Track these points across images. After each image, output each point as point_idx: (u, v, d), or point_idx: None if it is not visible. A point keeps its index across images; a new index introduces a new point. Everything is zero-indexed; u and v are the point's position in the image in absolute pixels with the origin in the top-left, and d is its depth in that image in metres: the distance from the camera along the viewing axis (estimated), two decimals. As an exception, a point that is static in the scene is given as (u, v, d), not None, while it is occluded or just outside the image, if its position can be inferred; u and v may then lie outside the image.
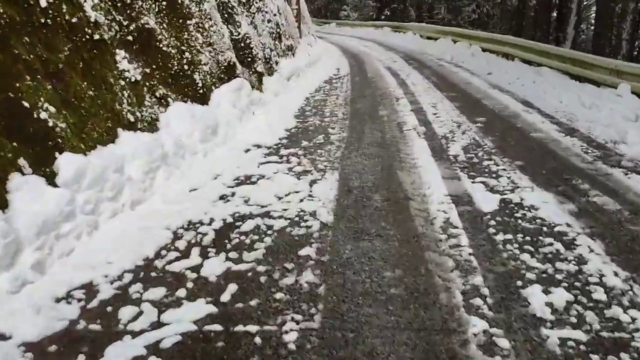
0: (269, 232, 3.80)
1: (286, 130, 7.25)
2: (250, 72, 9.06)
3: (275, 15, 11.29)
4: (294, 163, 5.57)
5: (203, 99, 6.87)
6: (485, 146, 6.00)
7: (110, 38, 5.34)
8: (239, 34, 8.98)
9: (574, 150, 5.85)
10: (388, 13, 32.14)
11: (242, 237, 3.72)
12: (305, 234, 3.75)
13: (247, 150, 6.18)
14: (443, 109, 8.14)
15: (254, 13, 10.03)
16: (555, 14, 16.30)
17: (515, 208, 4.18)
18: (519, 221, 3.92)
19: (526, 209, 4.16)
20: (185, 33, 6.92)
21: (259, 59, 9.52)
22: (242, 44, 9.02)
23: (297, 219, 4.03)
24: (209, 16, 7.59)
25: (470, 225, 3.85)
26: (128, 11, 5.87)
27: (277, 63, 10.59)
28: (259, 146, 6.36)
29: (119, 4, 5.71)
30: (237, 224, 3.95)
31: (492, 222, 3.90)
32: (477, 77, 11.53)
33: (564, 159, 5.53)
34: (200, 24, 7.28)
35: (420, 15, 31.46)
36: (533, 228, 3.80)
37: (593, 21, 23.15)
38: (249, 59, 9.13)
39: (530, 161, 5.40)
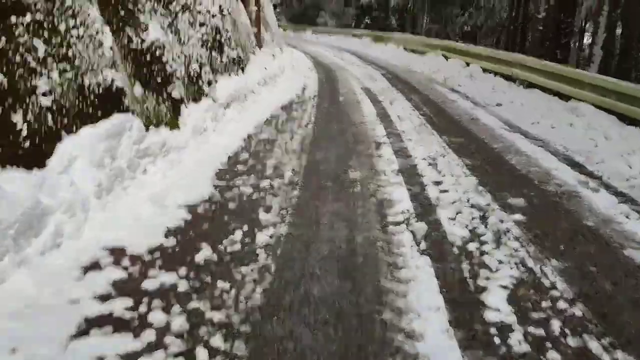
0: None
1: (187, 209, 4.21)
2: (159, 100, 6.01)
3: (213, 16, 8.27)
4: (152, 334, 2.54)
5: (33, 161, 3.81)
6: (556, 292, 3.02)
7: None
8: (143, 41, 5.93)
9: None
10: (368, 21, 29.47)
11: None
12: None
13: (81, 276, 3.12)
14: (449, 171, 5.18)
15: (175, 12, 6.99)
16: (563, 28, 13.71)
17: None
18: None
19: None
20: (2, 38, 3.84)
21: (178, 79, 6.47)
22: (149, 57, 5.97)
23: None
24: (69, 11, 4.53)
25: None
26: None
27: (211, 83, 7.55)
28: (110, 261, 3.31)
29: None
30: None
31: None
32: (483, 110, 8.68)
33: None
34: (41, 24, 4.21)
35: (402, 25, 28.85)
36: None
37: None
38: (159, 80, 6.09)
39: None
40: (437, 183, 4.80)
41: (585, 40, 19.57)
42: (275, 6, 40.05)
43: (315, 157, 5.79)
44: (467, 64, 13.34)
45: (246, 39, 10.78)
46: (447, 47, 15.61)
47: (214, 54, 8.08)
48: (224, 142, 6.38)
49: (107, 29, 5.15)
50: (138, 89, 5.70)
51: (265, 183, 4.91)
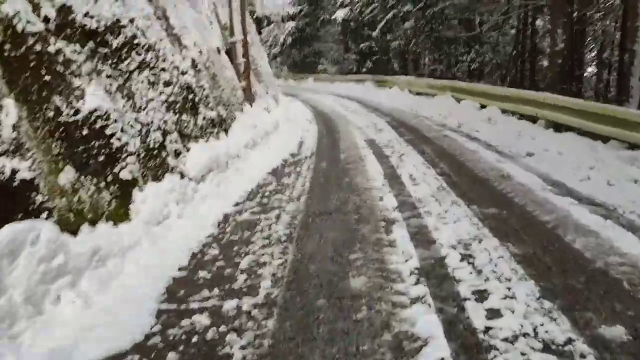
0: None
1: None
2: (101, 185, 4.62)
3: (183, 73, 7.01)
4: None
5: None
6: None
7: None
8: (78, 111, 4.60)
9: None
10: (370, 65, 28.62)
11: None
12: None
13: None
14: (494, 271, 3.62)
15: (128, 72, 5.71)
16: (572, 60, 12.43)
17: None
18: None
19: None
20: None
21: (131, 154, 5.11)
22: (86, 131, 4.63)
23: None
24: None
25: None
26: None
27: (180, 154, 6.19)
28: None
29: None
30: None
31: None
32: (513, 163, 7.19)
33: None
34: None
35: (404, 66, 27.93)
36: None
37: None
38: (102, 158, 4.72)
39: None
40: (481, 297, 3.25)
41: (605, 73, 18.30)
42: (275, 56, 39.85)
43: (304, 250, 4.31)
44: (482, 106, 11.98)
45: (230, 95, 9.53)
46: (456, 88, 14.33)
47: (184, 117, 6.77)
48: (189, 232, 4.93)
49: (9, 102, 3.81)
50: (68, 175, 4.32)
51: (230, 304, 3.41)
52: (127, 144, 5.14)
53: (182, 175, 5.98)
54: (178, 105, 6.64)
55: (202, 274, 3.99)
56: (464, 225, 4.64)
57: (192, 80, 7.23)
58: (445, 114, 12.07)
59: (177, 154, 6.12)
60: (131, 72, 5.78)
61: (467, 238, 4.30)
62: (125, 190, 4.89)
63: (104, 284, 3.72)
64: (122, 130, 5.11)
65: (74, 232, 4.02)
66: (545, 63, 22.26)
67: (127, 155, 5.10)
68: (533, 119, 9.85)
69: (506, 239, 4.24)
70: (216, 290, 3.66)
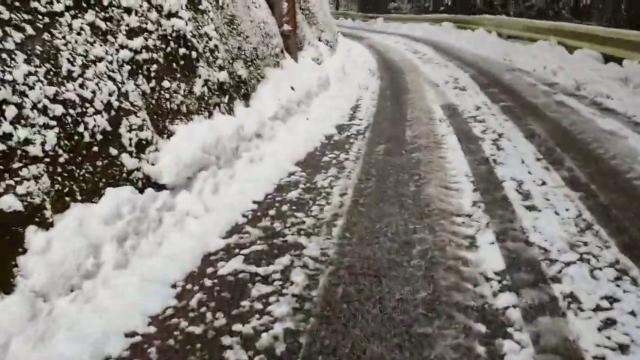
0: None
1: None
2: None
3: (172, 16, 4.63)
4: None
5: None
6: None
7: None
8: None
9: None
10: (449, 3, 24.74)
11: None
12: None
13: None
14: None
15: (48, 14, 3.43)
16: None
17: None
18: None
19: None
20: None
21: (36, 161, 2.92)
22: None
23: None
24: None
25: None
26: None
27: (147, 146, 3.93)
28: None
29: None
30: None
31: None
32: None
33: None
34: None
35: (491, 4, 23.80)
36: None
37: None
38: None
39: None
40: None
41: None
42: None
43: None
44: (608, 58, 8.75)
45: (260, 45, 7.08)
46: (565, 31, 10.94)
47: (167, 83, 4.46)
48: (121, 313, 2.73)
49: None
50: None
51: None
52: (28, 142, 2.94)
53: (147, 184, 3.75)
54: (155, 67, 4.33)
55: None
56: None
57: (186, 27, 4.85)
58: (554, 68, 8.96)
59: (141, 146, 3.86)
60: (55, 16, 3.49)
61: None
62: (9, 235, 2.74)
63: None
64: (19, 121, 2.90)
65: None
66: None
67: (26, 165, 2.91)
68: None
69: None
70: None
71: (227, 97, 5.42)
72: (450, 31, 18.95)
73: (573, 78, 7.97)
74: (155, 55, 4.34)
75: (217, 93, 5.21)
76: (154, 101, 4.24)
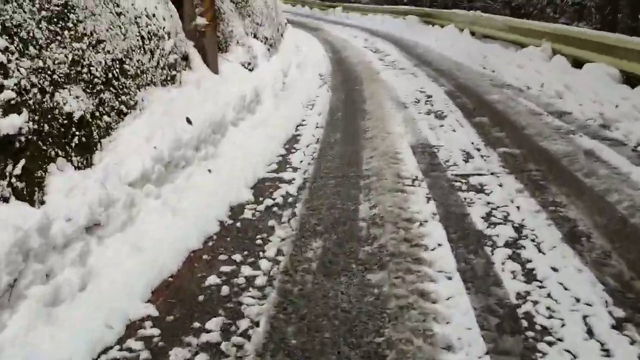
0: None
1: None
2: None
3: None
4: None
5: None
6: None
7: None
8: None
9: None
10: (414, -6, 22.44)
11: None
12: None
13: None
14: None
15: None
16: None
17: None
18: None
19: None
20: None
21: None
22: None
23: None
24: None
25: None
26: None
27: None
28: None
29: None
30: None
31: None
32: None
33: None
34: None
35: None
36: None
37: None
38: None
39: None
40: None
41: None
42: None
43: None
44: (627, 77, 6.62)
45: (136, 53, 4.49)
46: (568, 38, 8.73)
47: None
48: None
49: None
50: None
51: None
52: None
53: None
54: None
55: None
56: None
57: None
58: (558, 89, 6.75)
59: None
60: None
61: None
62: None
63: None
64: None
65: None
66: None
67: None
68: None
69: None
70: None
71: (19, 162, 2.84)
72: (415, 26, 16.70)
73: (591, 107, 5.77)
74: None
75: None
76: None
